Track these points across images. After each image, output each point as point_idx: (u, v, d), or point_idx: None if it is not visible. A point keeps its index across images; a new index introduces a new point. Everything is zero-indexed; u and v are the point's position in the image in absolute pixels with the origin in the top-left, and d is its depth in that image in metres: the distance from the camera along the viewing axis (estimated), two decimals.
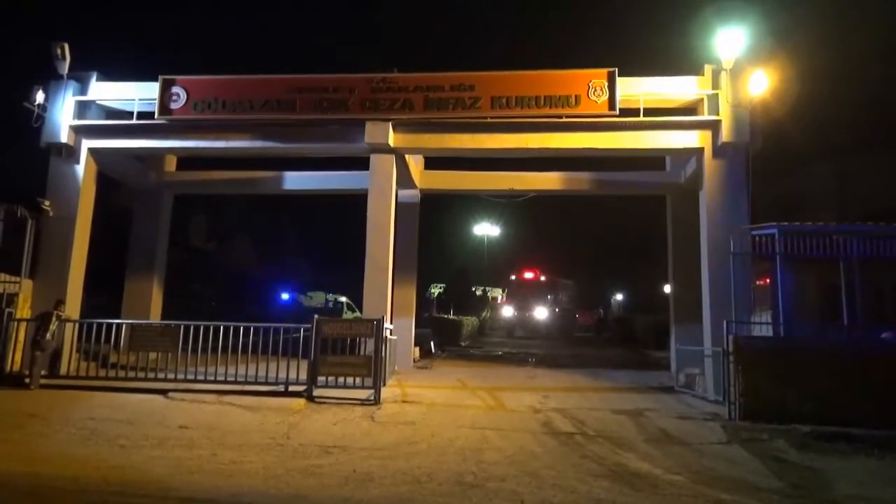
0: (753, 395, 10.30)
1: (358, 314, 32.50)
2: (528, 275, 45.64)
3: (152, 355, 12.31)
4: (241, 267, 40.45)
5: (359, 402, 10.99)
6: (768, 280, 13.18)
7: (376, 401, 11.01)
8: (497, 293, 55.61)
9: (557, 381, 14.92)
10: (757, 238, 11.96)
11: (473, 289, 46.64)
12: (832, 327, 11.89)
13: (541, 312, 42.50)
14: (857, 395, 10.00)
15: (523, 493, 6.36)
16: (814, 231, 11.66)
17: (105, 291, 19.33)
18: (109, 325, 12.35)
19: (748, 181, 13.15)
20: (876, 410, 9.76)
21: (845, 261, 11.49)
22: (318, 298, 37.73)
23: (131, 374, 11.98)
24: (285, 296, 38.45)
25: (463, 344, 28.55)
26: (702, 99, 13.77)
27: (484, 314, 44.31)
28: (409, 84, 14.16)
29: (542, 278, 45.86)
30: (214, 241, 38.59)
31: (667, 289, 26.53)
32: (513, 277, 48.55)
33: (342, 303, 35.76)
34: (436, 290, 46.36)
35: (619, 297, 56.64)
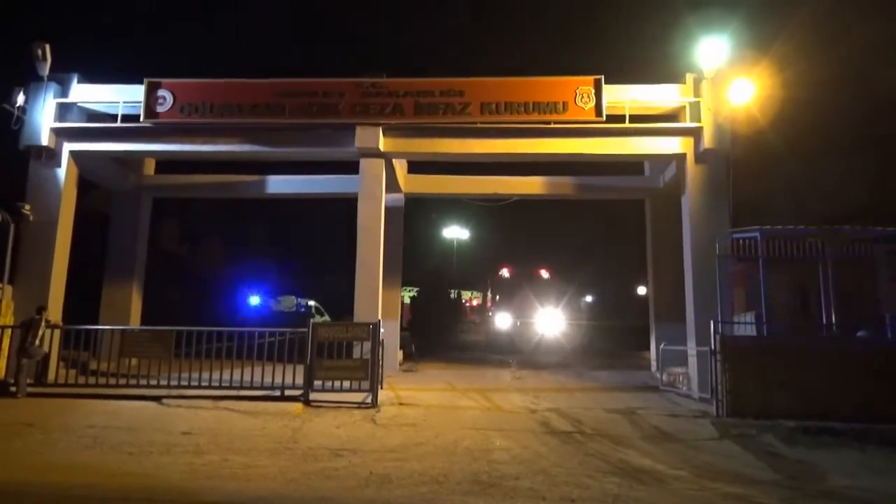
0: (740, 393, 10.71)
1: (326, 318, 32.33)
2: (505, 272, 45.69)
3: (137, 361, 12.16)
4: (209, 271, 39.73)
5: (356, 405, 11.06)
6: (737, 281, 13.71)
7: (374, 403, 11.09)
8: (467, 295, 55.86)
9: (544, 383, 15.18)
10: (739, 241, 12.41)
11: (449, 292, 46.76)
12: (810, 326, 12.39)
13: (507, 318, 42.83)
14: (836, 391, 10.46)
15: (541, 490, 6.56)
16: (792, 234, 12.17)
17: (79, 296, 18.87)
18: (89, 332, 12.15)
19: (729, 186, 13.63)
20: (854, 405, 10.24)
21: (822, 262, 12.02)
22: (287, 302, 37.40)
23: (122, 381, 11.82)
24: (255, 300, 37.93)
25: (441, 347, 28.76)
26: (684, 106, 14.20)
27: (460, 317, 44.57)
28: (399, 89, 14.26)
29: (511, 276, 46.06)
30: (186, 245, 37.91)
31: (640, 290, 27.16)
32: (488, 281, 48.73)
33: (311, 307, 35.61)
34: (407, 294, 46.28)
35: (589, 298, 57.21)
